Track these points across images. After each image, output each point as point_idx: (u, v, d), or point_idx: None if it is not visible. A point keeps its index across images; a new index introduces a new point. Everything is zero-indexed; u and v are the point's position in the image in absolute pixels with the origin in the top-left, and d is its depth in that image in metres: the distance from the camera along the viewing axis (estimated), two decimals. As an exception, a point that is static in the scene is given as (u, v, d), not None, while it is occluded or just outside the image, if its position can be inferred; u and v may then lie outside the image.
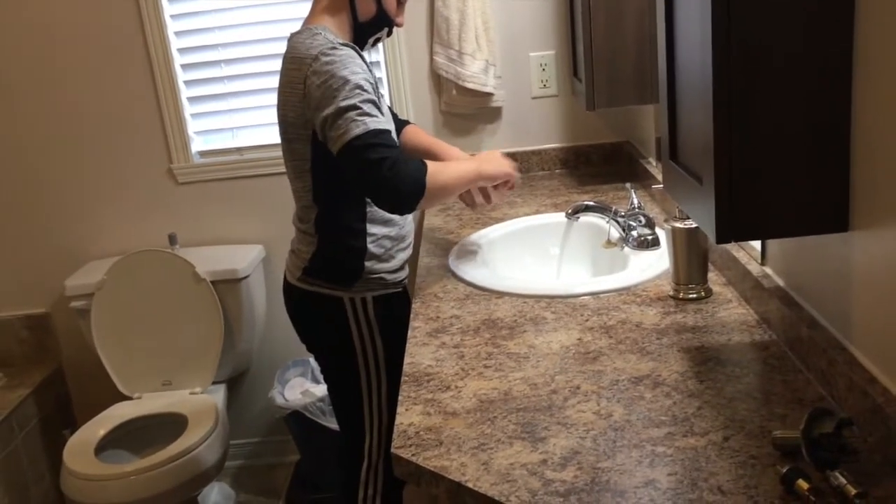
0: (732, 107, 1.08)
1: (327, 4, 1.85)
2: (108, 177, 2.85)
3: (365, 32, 1.88)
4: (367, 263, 1.87)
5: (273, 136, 2.55)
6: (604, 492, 1.07)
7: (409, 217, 1.97)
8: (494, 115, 2.78)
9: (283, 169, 1.94)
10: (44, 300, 2.96)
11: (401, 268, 1.94)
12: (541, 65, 2.73)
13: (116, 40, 2.73)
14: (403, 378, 1.46)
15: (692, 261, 1.64)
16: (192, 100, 2.83)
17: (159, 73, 2.75)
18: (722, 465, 1.10)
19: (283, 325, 2.11)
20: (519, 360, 1.47)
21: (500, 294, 1.78)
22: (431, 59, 2.70)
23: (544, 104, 2.77)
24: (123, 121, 2.80)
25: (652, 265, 1.81)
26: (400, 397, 1.39)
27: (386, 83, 2.74)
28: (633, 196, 1.99)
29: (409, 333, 1.65)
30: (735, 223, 1.13)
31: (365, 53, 1.88)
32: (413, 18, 2.65)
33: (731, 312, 1.56)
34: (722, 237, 1.13)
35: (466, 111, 2.76)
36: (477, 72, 2.62)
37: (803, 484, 1.01)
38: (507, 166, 1.94)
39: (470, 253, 2.04)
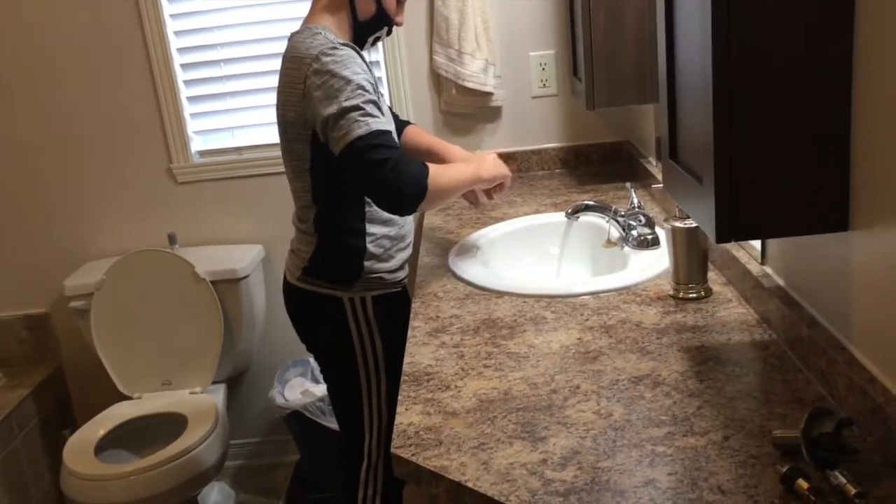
0: (732, 107, 1.08)
1: (327, 3, 1.85)
2: (107, 177, 2.85)
3: (364, 31, 1.88)
4: (367, 263, 1.87)
5: (273, 135, 2.55)
6: (604, 491, 1.07)
7: (409, 217, 1.97)
8: (494, 114, 2.78)
9: (282, 169, 1.94)
10: (43, 300, 2.96)
11: (400, 267, 1.94)
12: (540, 64, 2.73)
13: (116, 40, 2.73)
14: (403, 378, 1.46)
15: (692, 260, 1.64)
16: (191, 99, 2.83)
17: (159, 72, 2.75)
18: (722, 465, 1.10)
19: (283, 325, 2.11)
20: (519, 360, 1.47)
21: (500, 294, 1.78)
22: (431, 59, 2.70)
23: (544, 104, 2.77)
24: (123, 121, 2.80)
25: (652, 265, 1.81)
26: (400, 397, 1.39)
27: (386, 83, 2.74)
28: (633, 195, 1.99)
29: (409, 333, 1.65)
30: (735, 223, 1.13)
31: (365, 53, 1.88)
32: (413, 18, 2.64)
33: (731, 312, 1.56)
34: (722, 237, 1.13)
35: (466, 111, 2.76)
36: (476, 71, 2.62)
37: (803, 483, 1.01)
38: (502, 168, 1.96)
39: (470, 252, 2.04)
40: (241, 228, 2.88)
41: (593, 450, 1.17)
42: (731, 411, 1.23)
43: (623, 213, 1.98)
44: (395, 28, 1.93)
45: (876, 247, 1.09)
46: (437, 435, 1.26)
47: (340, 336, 1.89)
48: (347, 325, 1.88)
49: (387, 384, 1.92)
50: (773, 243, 1.50)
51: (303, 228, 1.91)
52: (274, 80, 1.88)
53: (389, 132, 1.72)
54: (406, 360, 1.53)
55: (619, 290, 1.72)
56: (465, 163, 1.97)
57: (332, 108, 1.69)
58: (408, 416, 1.32)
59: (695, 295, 1.64)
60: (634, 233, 1.94)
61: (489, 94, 2.67)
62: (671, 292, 1.67)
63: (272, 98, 1.90)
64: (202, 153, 2.87)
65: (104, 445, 2.53)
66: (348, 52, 1.74)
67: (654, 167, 2.37)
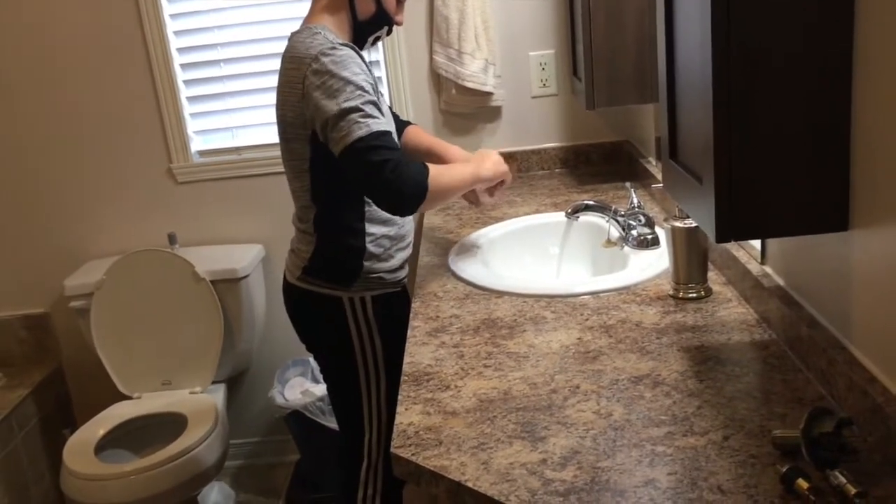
0: (732, 107, 1.08)
1: (327, 3, 1.85)
2: (107, 176, 2.85)
3: (364, 31, 1.88)
4: (366, 263, 1.87)
5: (272, 135, 2.55)
6: (604, 491, 1.07)
7: (409, 217, 1.97)
8: (494, 114, 2.78)
9: (282, 168, 1.94)
10: (43, 300, 2.96)
11: (400, 267, 1.94)
12: (540, 64, 2.73)
13: (116, 40, 2.73)
14: (403, 377, 1.46)
15: (692, 260, 1.64)
16: (191, 99, 2.83)
17: (159, 72, 2.75)
18: (722, 465, 1.10)
19: (283, 325, 2.11)
20: (519, 360, 1.47)
21: (500, 293, 1.78)
22: (431, 59, 2.70)
23: (544, 103, 2.77)
24: (123, 121, 2.80)
25: (652, 264, 1.81)
26: (399, 397, 1.39)
27: (385, 83, 2.74)
28: (633, 195, 1.99)
29: (409, 333, 1.65)
30: (735, 222, 1.13)
31: (364, 53, 1.88)
32: (412, 17, 2.64)
33: (730, 312, 1.56)
34: (722, 236, 1.13)
35: (466, 110, 2.76)
36: (476, 71, 2.62)
37: (803, 483, 1.01)
38: (502, 166, 1.95)
39: (470, 252, 2.04)
40: (241, 228, 2.88)
41: (593, 450, 1.17)
42: (731, 411, 1.23)
43: (623, 212, 1.98)
44: (394, 28, 1.93)
45: (876, 246, 1.09)
46: (436, 435, 1.26)
47: (340, 336, 1.89)
48: (347, 324, 1.88)
49: (386, 384, 1.92)
50: (772, 243, 1.50)
51: (302, 228, 1.91)
52: (273, 80, 1.88)
53: (389, 133, 1.72)
54: (406, 359, 1.53)
55: (618, 290, 1.72)
56: (464, 163, 1.97)
57: (331, 109, 1.69)
58: (408, 415, 1.32)
59: (695, 295, 1.64)
60: (634, 233, 1.94)
61: (489, 93, 2.67)
62: (671, 292, 1.67)
63: (272, 98, 1.90)
64: (202, 153, 2.87)
65: (104, 445, 2.53)
66: (347, 53, 1.74)
67: (654, 167, 2.37)
